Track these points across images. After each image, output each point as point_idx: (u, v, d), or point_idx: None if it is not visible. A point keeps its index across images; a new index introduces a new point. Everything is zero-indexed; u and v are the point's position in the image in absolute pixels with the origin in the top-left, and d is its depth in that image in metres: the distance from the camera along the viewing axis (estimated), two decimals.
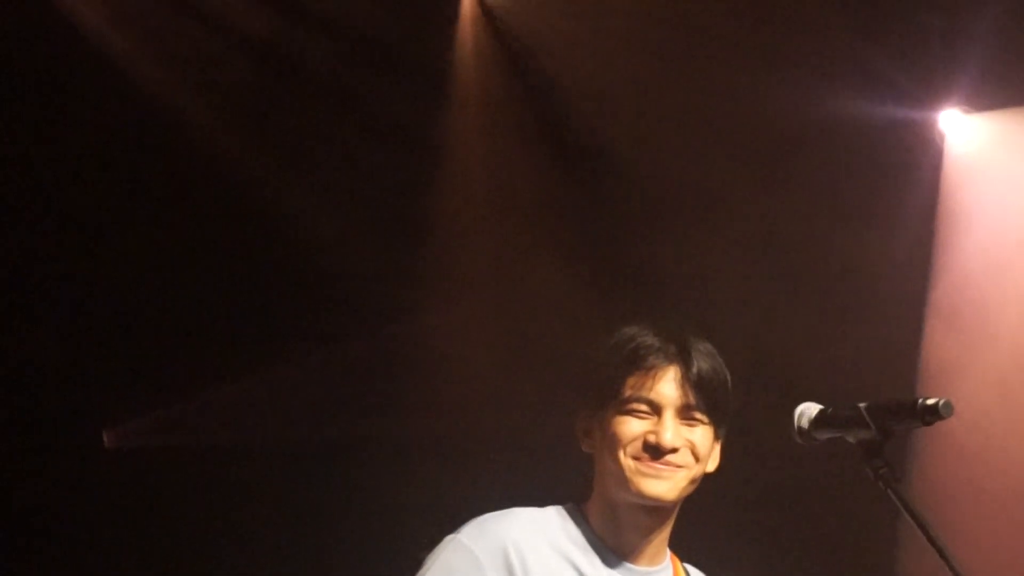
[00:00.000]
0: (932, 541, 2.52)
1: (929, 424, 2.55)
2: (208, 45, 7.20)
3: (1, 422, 7.28)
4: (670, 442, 2.81)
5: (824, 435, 2.66)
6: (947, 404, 2.54)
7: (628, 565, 2.88)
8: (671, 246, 6.85)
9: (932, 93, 7.00)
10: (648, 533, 2.89)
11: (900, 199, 7.01)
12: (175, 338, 7.47)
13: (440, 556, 2.88)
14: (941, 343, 7.03)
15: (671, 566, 2.95)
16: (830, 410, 2.67)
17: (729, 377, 2.89)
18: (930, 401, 2.54)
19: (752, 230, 6.78)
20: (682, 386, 2.84)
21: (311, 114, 7.39)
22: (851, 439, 2.61)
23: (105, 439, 7.67)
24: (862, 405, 2.61)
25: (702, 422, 2.84)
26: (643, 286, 6.95)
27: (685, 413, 2.84)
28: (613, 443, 2.84)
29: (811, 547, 6.86)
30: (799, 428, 2.68)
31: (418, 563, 2.92)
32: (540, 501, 2.95)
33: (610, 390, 2.86)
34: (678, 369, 2.84)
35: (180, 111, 7.25)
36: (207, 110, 7.28)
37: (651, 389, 2.83)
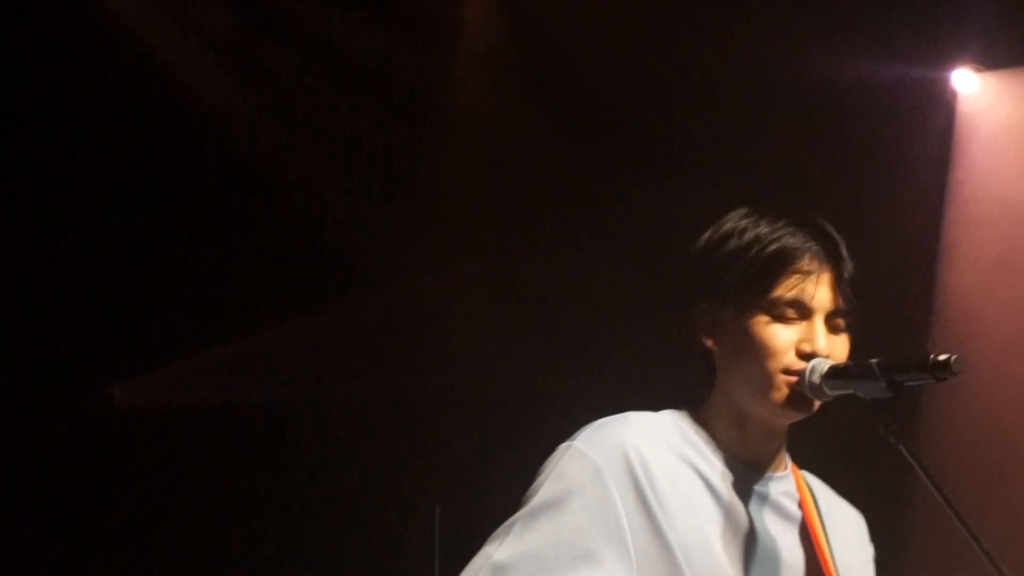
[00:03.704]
0: (943, 498, 2.51)
1: (941, 380, 2.53)
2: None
3: (9, 377, 7.30)
4: (824, 349, 2.65)
5: (835, 390, 2.63)
6: (958, 360, 2.52)
7: (750, 471, 2.73)
8: (675, 201, 6.84)
9: (943, 52, 6.98)
10: (774, 440, 2.75)
11: (912, 159, 7.00)
12: (183, 296, 7.49)
13: (556, 466, 2.67)
14: (954, 303, 7.02)
15: (792, 474, 2.81)
16: (842, 365, 2.65)
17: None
18: (941, 357, 2.52)
19: (760, 191, 6.76)
20: (834, 290, 2.69)
21: (309, 73, 7.38)
22: (862, 394, 2.59)
23: (115, 395, 7.68)
24: (874, 360, 2.58)
25: (842, 330, 2.71)
26: (648, 240, 6.94)
27: (831, 319, 2.69)
28: (762, 350, 2.66)
29: None
30: (810, 383, 2.64)
31: (530, 477, 2.72)
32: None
33: (758, 290, 2.67)
34: (831, 272, 2.69)
35: (174, 68, 7.23)
36: (205, 72, 7.27)
37: (806, 293, 2.66)
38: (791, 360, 2.67)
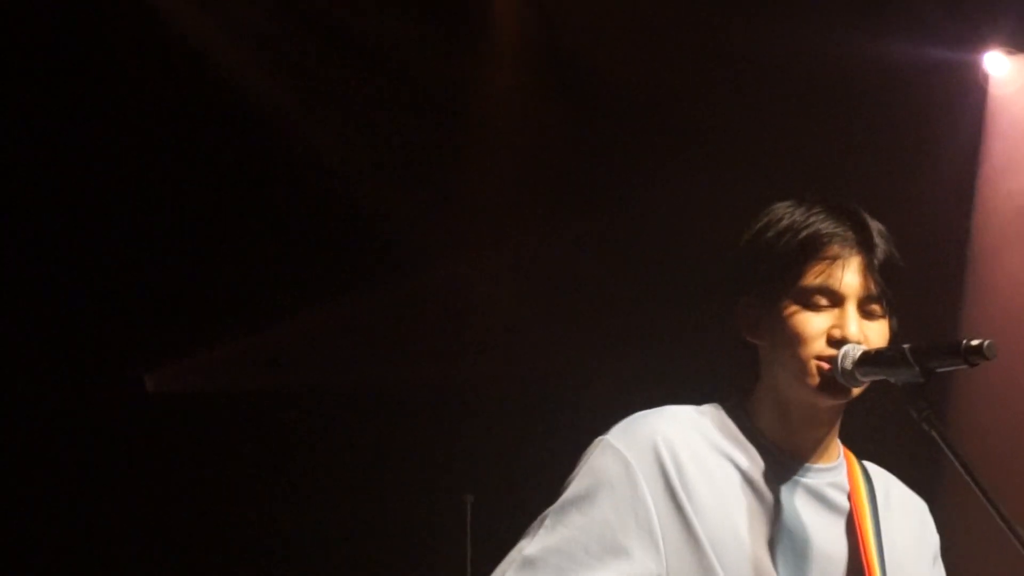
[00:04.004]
0: (975, 483, 2.50)
1: (973, 365, 2.51)
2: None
3: (43, 365, 7.33)
4: (856, 335, 2.62)
5: (867, 376, 2.61)
6: (991, 345, 2.50)
7: (794, 462, 2.72)
8: (710, 188, 6.83)
9: (976, 35, 6.95)
10: (819, 429, 2.72)
11: (944, 141, 6.97)
12: (215, 283, 7.50)
13: (588, 459, 2.68)
14: (985, 288, 6.99)
15: (845, 463, 2.79)
16: (874, 351, 2.63)
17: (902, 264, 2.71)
18: (974, 342, 2.49)
19: (792, 173, 6.75)
20: (865, 276, 2.66)
21: (342, 64, 7.37)
22: (894, 380, 2.57)
23: (147, 383, 7.70)
24: (906, 346, 2.56)
25: (878, 315, 2.68)
26: (687, 227, 6.93)
27: (865, 305, 2.66)
28: (793, 338, 2.65)
29: None
30: (842, 369, 2.62)
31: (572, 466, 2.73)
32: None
33: (787, 279, 2.66)
34: (861, 258, 2.66)
35: (207, 57, 7.23)
36: (237, 61, 7.28)
37: (834, 279, 2.64)
38: (822, 347, 2.66)
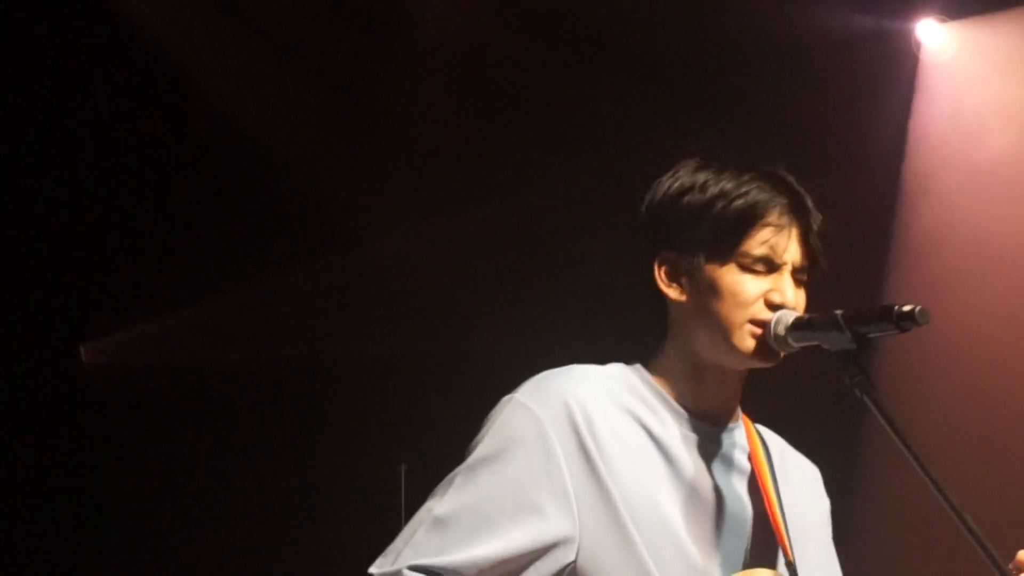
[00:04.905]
0: (907, 446, 2.51)
1: (905, 331, 2.53)
2: None
3: None
4: (792, 302, 2.65)
5: (800, 342, 2.63)
6: (923, 311, 2.51)
7: (699, 423, 2.72)
8: (646, 155, 6.82)
9: (908, 3, 6.97)
10: (727, 390, 2.74)
11: (875, 109, 6.99)
12: (152, 254, 7.47)
13: (498, 419, 2.67)
14: (909, 253, 7.04)
15: (743, 424, 2.80)
16: (807, 317, 2.65)
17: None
18: (906, 308, 2.51)
19: (719, 145, 6.74)
20: (802, 245, 2.68)
21: (278, 36, 7.36)
22: (827, 346, 2.59)
23: (83, 355, 7.66)
24: (838, 312, 2.58)
25: (804, 282, 2.71)
26: (600, 203, 6.94)
27: (797, 272, 2.69)
28: (729, 300, 2.65)
29: None
30: (775, 335, 2.64)
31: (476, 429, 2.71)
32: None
33: (726, 244, 2.66)
34: (798, 227, 2.68)
35: (152, 36, 7.20)
36: (177, 30, 7.24)
37: (779, 248, 2.66)
38: (759, 310, 2.67)
